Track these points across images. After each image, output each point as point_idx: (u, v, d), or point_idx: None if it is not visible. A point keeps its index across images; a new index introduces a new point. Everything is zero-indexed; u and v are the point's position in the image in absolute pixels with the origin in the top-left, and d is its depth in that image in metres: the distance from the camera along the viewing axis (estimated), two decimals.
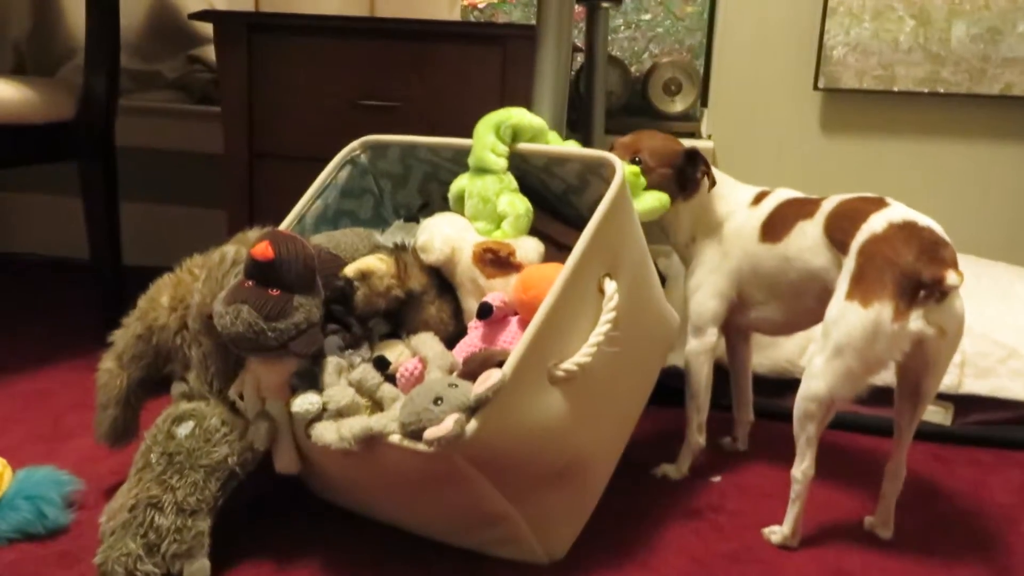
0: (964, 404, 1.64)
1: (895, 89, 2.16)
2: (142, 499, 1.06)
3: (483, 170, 1.24)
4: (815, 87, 2.22)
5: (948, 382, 1.63)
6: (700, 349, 1.37)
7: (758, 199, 1.36)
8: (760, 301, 1.35)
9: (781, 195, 1.35)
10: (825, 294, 1.20)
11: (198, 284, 1.17)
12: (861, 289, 1.12)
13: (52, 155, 1.83)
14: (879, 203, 1.20)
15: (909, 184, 2.27)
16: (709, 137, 2.34)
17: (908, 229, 1.13)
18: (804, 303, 1.30)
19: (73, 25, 2.46)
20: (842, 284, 1.16)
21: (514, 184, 1.25)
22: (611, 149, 1.38)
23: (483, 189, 1.24)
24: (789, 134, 2.30)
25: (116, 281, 1.96)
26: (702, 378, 1.38)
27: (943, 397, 1.64)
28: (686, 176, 1.37)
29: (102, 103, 1.84)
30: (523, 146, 1.27)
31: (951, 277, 1.08)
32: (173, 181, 2.57)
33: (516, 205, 1.22)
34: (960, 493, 1.40)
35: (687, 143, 1.42)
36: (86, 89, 1.83)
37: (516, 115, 1.25)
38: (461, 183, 1.28)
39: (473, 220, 1.25)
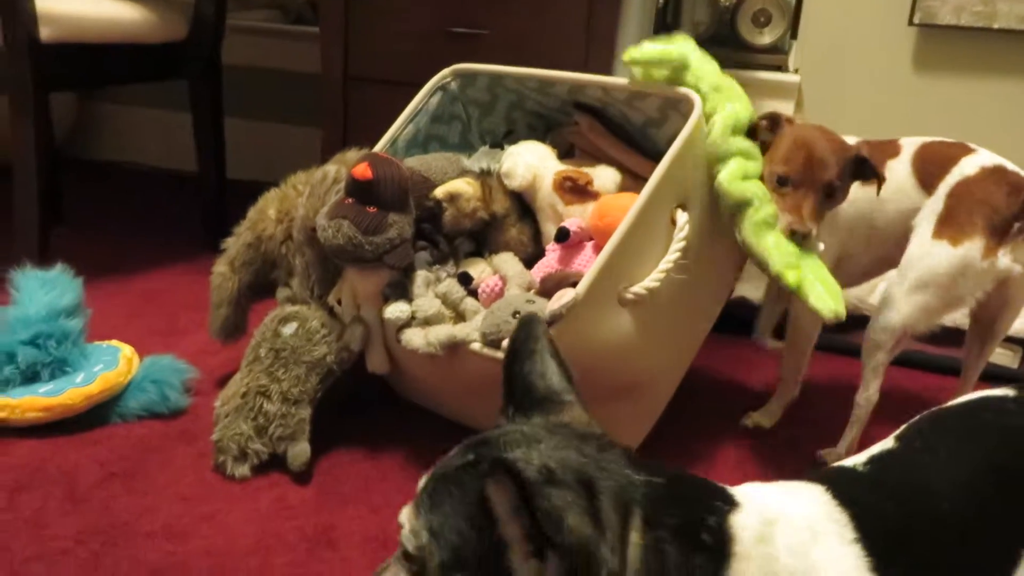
0: None
1: (995, 27, 2.09)
2: (252, 387, 1.20)
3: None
4: (910, 22, 2.16)
5: (1017, 326, 1.64)
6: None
7: None
8: (851, 254, 1.31)
9: (852, 141, 1.28)
10: (903, 238, 1.23)
11: (302, 199, 1.28)
12: (951, 229, 1.15)
13: (165, 73, 1.97)
14: (966, 148, 1.22)
15: (1006, 128, 2.20)
16: (796, 71, 2.31)
17: (999, 173, 1.17)
18: (885, 248, 1.29)
19: None
20: (924, 224, 1.19)
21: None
22: (774, 128, 1.23)
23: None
24: (880, 71, 2.25)
25: (220, 192, 2.11)
26: (813, 336, 1.35)
27: (1011, 340, 1.66)
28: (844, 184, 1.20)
29: (211, 24, 1.96)
30: (606, 79, 1.32)
31: None
32: (271, 99, 2.69)
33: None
34: None
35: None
36: (197, 10, 1.94)
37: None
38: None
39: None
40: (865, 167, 1.18)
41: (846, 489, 0.61)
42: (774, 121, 1.23)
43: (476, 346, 1.09)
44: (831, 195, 1.17)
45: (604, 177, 1.26)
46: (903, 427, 0.72)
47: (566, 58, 1.69)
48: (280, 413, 1.18)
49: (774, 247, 1.13)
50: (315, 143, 2.04)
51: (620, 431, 1.21)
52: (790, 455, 1.33)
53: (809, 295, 1.10)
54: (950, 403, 0.75)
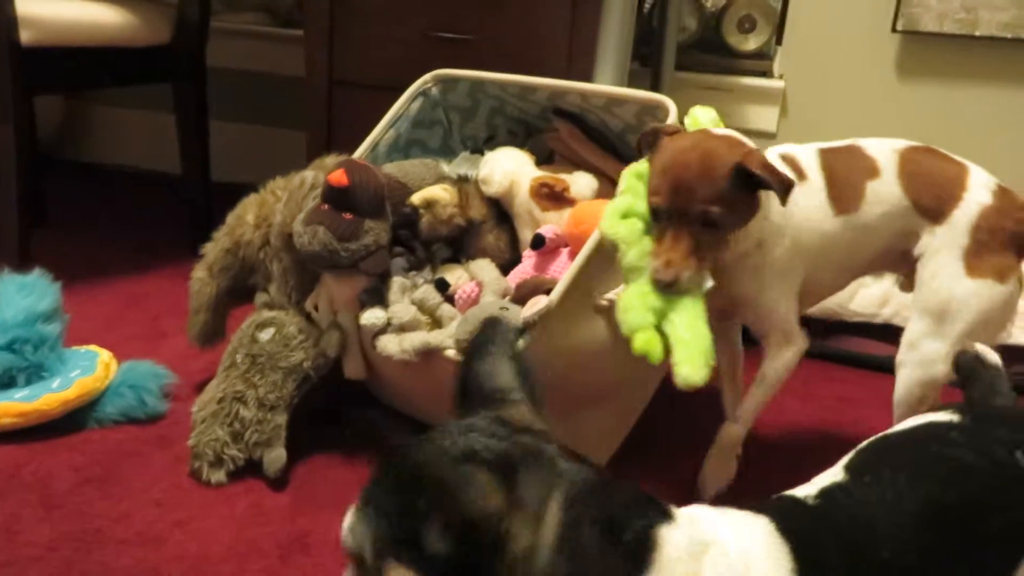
0: (1009, 355, 1.66)
1: (977, 34, 2.10)
2: (229, 393, 1.20)
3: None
4: (893, 29, 2.17)
5: None
6: (798, 356, 1.15)
7: (795, 167, 1.12)
8: (820, 281, 1.18)
9: (811, 154, 1.14)
10: (884, 255, 1.16)
11: (280, 205, 1.28)
12: (989, 264, 1.07)
13: (149, 76, 1.97)
14: (955, 162, 1.13)
15: (988, 136, 2.22)
16: (781, 77, 2.32)
17: (1008, 195, 1.10)
18: (863, 267, 1.20)
19: None
20: (947, 259, 1.08)
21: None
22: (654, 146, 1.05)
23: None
24: (863, 77, 2.27)
25: (205, 194, 2.11)
26: (786, 373, 1.17)
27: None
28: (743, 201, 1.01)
29: (195, 27, 1.96)
30: (585, 86, 1.33)
31: None
32: (257, 102, 2.69)
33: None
34: None
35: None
36: (181, 13, 1.94)
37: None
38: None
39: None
40: (752, 180, 0.97)
41: (792, 523, 0.60)
42: (653, 137, 1.04)
43: (450, 353, 1.10)
44: (712, 225, 0.98)
45: (581, 183, 1.27)
46: (852, 454, 0.71)
47: (549, 63, 1.69)
48: (256, 419, 1.19)
49: (625, 306, 1.01)
50: (301, 146, 2.04)
51: (593, 439, 1.22)
52: (774, 462, 1.33)
53: (673, 355, 0.97)
54: (896, 429, 0.74)
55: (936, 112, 2.25)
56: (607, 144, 1.39)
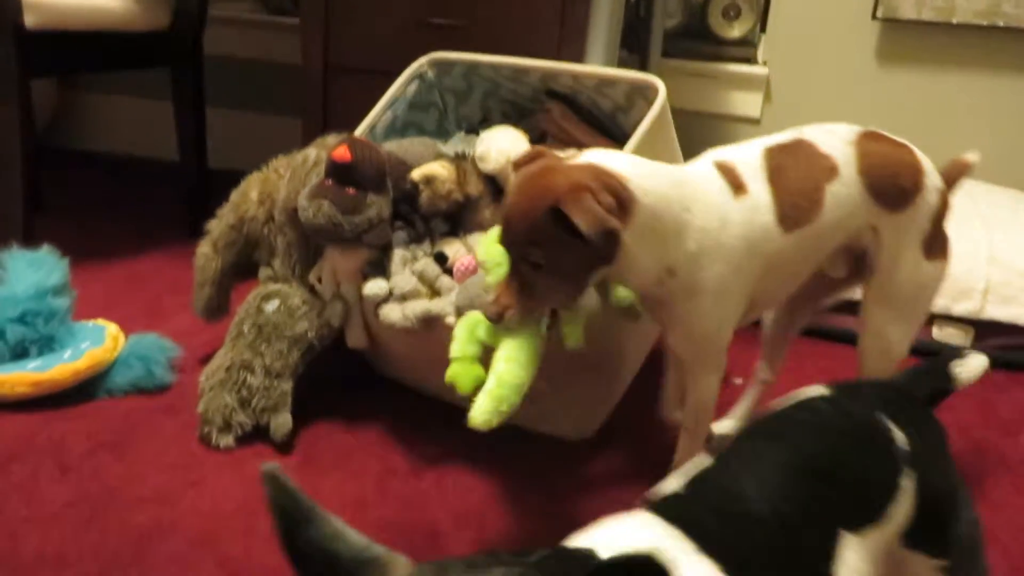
0: (985, 328, 1.73)
1: (954, 21, 2.17)
2: (236, 361, 1.25)
3: None
4: (874, 16, 2.23)
5: (971, 307, 1.73)
6: (720, 380, 1.08)
7: (732, 178, 1.00)
8: (767, 295, 1.09)
9: (755, 159, 1.02)
10: (832, 254, 1.11)
11: (283, 181, 1.33)
12: (941, 244, 1.10)
13: (148, 61, 2.01)
14: (906, 148, 1.09)
15: (965, 120, 2.28)
16: (764, 64, 2.39)
17: (939, 174, 1.12)
18: (809, 272, 1.12)
19: None
20: (908, 248, 1.08)
21: None
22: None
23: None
24: (844, 64, 2.33)
25: (202, 180, 2.14)
26: (711, 409, 1.11)
27: (966, 321, 1.74)
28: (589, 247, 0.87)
29: (194, 14, 2.00)
30: (576, 67, 1.38)
31: None
32: (252, 89, 2.72)
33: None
34: (966, 408, 1.51)
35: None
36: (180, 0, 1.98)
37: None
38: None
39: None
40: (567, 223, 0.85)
41: (674, 512, 0.61)
42: (515, 166, 0.97)
43: (450, 319, 1.15)
44: (538, 266, 0.90)
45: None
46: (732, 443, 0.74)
47: (540, 49, 1.74)
48: (263, 386, 1.23)
49: (456, 333, 1.01)
50: (296, 133, 2.07)
51: (586, 405, 1.28)
52: None
53: (478, 394, 0.95)
54: (772, 406, 0.78)
55: (915, 97, 2.32)
56: (598, 124, 1.44)
